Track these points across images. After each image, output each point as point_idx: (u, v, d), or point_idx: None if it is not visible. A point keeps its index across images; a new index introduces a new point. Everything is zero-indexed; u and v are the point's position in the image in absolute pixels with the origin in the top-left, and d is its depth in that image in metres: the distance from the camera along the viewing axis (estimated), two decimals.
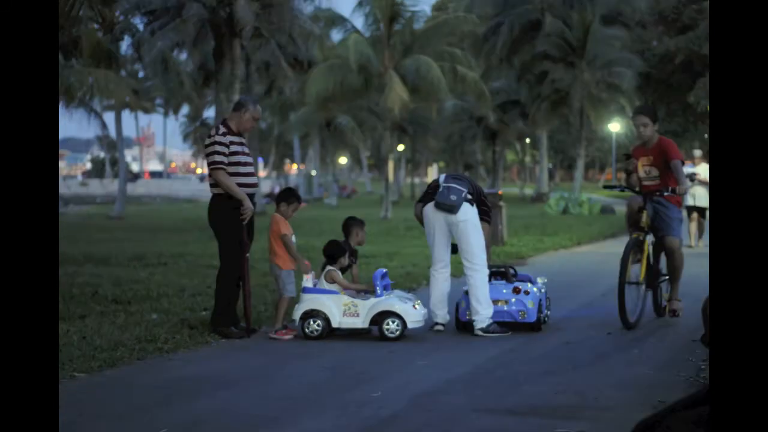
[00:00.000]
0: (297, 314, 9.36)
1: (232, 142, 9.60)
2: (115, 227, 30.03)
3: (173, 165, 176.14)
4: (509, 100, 61.23)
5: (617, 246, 23.18)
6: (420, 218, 10.10)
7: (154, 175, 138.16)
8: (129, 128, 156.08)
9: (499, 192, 22.16)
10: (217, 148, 9.57)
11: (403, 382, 7.25)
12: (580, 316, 10.76)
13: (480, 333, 9.45)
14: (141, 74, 74.71)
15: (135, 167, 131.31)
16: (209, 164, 9.55)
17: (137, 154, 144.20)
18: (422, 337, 9.31)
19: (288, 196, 9.85)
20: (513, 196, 68.83)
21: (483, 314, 9.48)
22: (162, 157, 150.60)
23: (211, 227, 9.85)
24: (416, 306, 9.29)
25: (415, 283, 13.75)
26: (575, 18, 49.45)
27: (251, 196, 9.64)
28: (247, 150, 9.86)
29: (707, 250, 20.17)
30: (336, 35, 43.24)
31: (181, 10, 28.74)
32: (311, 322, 9.29)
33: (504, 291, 9.87)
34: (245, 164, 9.68)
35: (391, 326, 9.18)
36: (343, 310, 9.34)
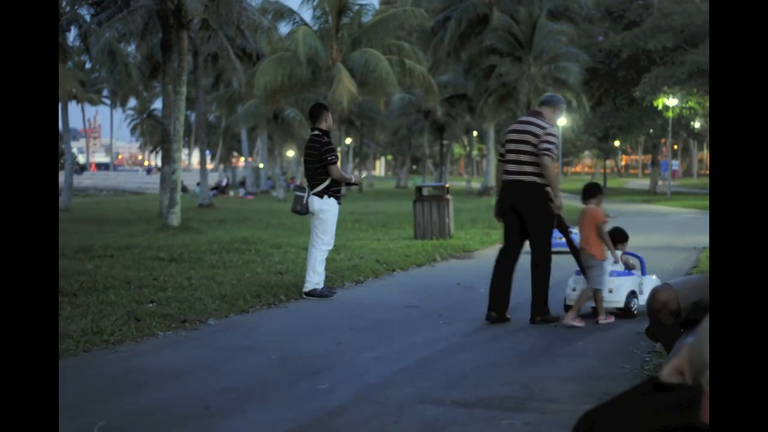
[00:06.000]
0: (621, 295, 9.97)
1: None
2: (61, 219, 29.72)
3: (120, 157, 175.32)
4: (457, 94, 61.45)
5: None
6: None
7: (101, 167, 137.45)
8: (75, 120, 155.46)
9: (447, 185, 22.21)
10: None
11: (350, 374, 7.27)
12: (527, 308, 10.83)
13: (305, 296, 11.55)
14: (88, 65, 74.30)
15: (81, 159, 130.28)
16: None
17: (83, 145, 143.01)
18: (369, 328, 9.33)
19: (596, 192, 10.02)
20: (460, 189, 69.04)
21: (310, 281, 11.62)
22: (109, 149, 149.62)
23: (527, 213, 9.85)
24: None
25: (362, 275, 13.77)
26: (522, 13, 49.75)
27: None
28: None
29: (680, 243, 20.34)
30: (284, 28, 43.14)
31: (128, 0, 28.52)
32: (636, 302, 10.04)
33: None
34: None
35: None
36: (639, 289, 10.16)
